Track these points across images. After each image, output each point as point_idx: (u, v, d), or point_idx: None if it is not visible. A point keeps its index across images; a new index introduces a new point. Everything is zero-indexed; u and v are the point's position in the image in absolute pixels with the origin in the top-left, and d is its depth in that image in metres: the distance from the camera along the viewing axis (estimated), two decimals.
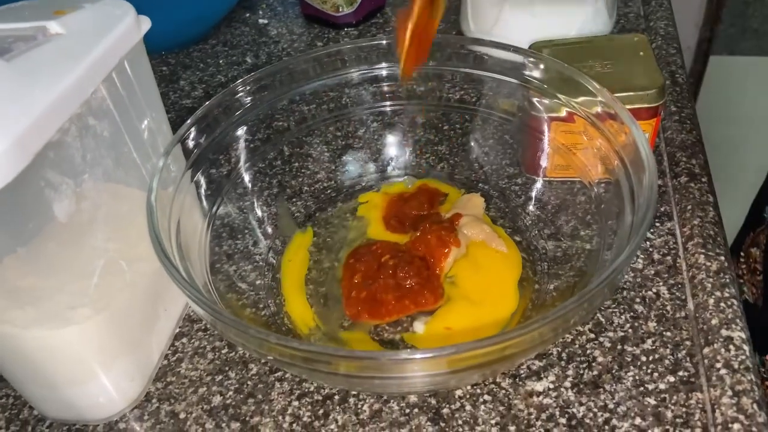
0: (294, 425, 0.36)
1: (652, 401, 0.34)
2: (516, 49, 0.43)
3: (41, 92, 0.29)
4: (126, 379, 0.37)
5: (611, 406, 0.34)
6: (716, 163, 0.49)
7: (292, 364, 0.30)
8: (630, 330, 0.38)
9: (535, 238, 0.44)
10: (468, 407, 0.35)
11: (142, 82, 0.37)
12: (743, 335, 0.36)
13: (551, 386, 0.36)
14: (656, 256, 0.42)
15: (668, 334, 0.37)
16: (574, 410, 0.35)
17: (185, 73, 0.65)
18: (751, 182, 0.62)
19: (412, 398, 0.36)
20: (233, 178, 0.45)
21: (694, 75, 1.44)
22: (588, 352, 0.37)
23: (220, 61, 0.66)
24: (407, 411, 0.36)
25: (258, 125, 0.46)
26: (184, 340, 0.41)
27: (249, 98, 0.44)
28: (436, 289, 0.40)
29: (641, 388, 0.35)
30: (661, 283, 0.40)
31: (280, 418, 0.36)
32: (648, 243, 0.43)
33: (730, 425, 0.32)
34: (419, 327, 0.39)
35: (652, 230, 0.43)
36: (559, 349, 0.37)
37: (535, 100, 0.43)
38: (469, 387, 0.36)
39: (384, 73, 0.47)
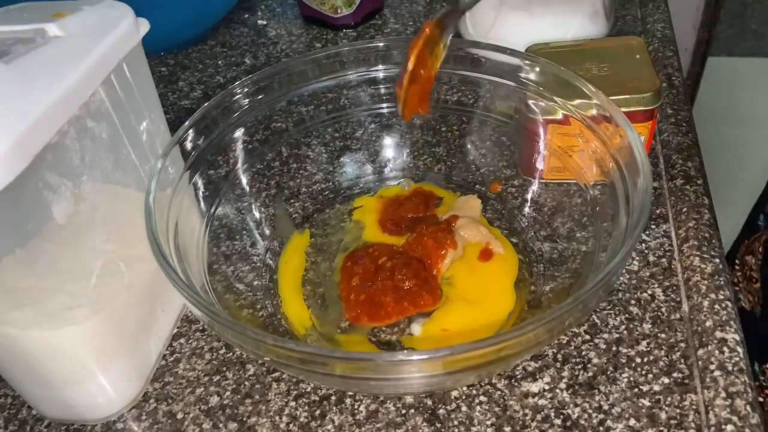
0: (291, 426, 0.36)
1: (646, 402, 0.35)
2: (513, 52, 0.43)
3: (40, 94, 0.29)
4: (124, 379, 0.37)
5: (606, 407, 0.35)
6: (713, 165, 0.49)
7: (289, 365, 0.31)
8: (625, 332, 0.38)
9: (532, 239, 0.44)
10: (464, 408, 0.36)
11: (141, 85, 0.37)
12: (737, 337, 0.36)
13: (546, 387, 0.36)
14: (651, 258, 0.42)
15: (663, 335, 0.38)
16: (569, 411, 0.35)
17: (184, 74, 0.65)
18: (748, 184, 0.63)
19: (409, 399, 0.36)
20: (231, 180, 0.45)
21: (691, 77, 1.44)
22: (583, 353, 0.37)
23: (219, 62, 0.67)
24: (403, 412, 0.36)
25: (256, 126, 0.46)
26: (182, 340, 0.41)
27: (247, 100, 0.44)
28: (435, 291, 0.40)
29: (636, 390, 0.35)
30: (656, 285, 0.40)
31: (277, 418, 0.36)
32: (643, 245, 0.43)
33: (723, 426, 0.33)
34: (416, 329, 0.39)
35: (647, 232, 0.44)
36: (555, 351, 0.38)
37: (531, 102, 0.43)
38: (465, 388, 0.36)
39: (382, 75, 0.48)
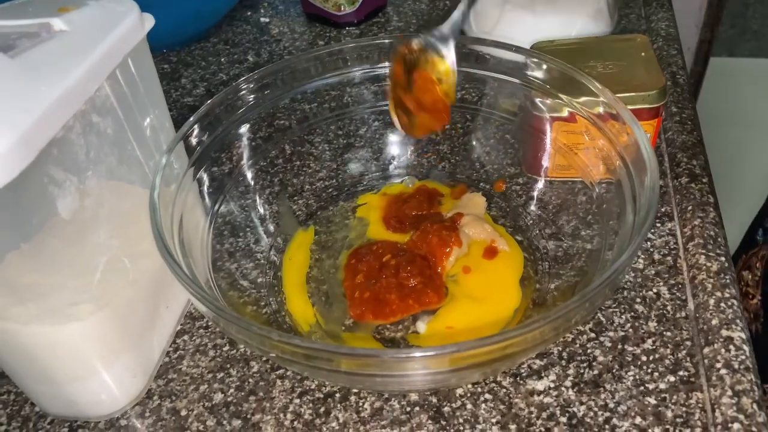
0: (295, 423, 0.36)
1: (652, 401, 0.35)
2: (518, 49, 0.43)
3: (45, 89, 0.29)
4: (127, 375, 0.37)
5: (612, 405, 0.35)
6: (716, 165, 0.49)
7: (294, 362, 0.30)
8: (630, 330, 0.38)
9: (537, 237, 0.44)
10: (469, 406, 0.35)
11: (146, 80, 0.37)
12: (743, 335, 0.36)
13: (552, 385, 0.36)
14: (657, 257, 0.42)
15: (668, 334, 0.37)
16: (575, 409, 0.35)
17: (187, 71, 0.65)
18: (748, 186, 0.62)
19: (413, 396, 0.36)
20: (235, 176, 0.45)
21: (694, 76, 1.44)
22: (588, 351, 0.37)
23: (222, 60, 0.66)
24: (408, 409, 0.36)
25: (260, 123, 0.46)
26: (186, 337, 0.41)
27: (251, 96, 0.44)
28: (440, 288, 0.40)
29: (641, 388, 0.35)
30: (661, 283, 0.40)
31: (282, 415, 0.36)
32: (648, 243, 0.43)
33: (729, 425, 0.33)
34: (421, 327, 0.39)
35: (652, 230, 0.43)
36: (560, 349, 0.38)
37: (537, 100, 0.43)
38: (470, 385, 0.36)
39: (386, 72, 0.47)
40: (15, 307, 0.32)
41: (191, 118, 0.40)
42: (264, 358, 0.39)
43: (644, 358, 0.36)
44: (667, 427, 0.33)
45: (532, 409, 0.35)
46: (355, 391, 0.37)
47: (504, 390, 0.36)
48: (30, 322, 0.33)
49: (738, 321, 0.37)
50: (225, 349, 0.40)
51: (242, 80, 0.43)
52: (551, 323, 0.29)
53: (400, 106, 0.40)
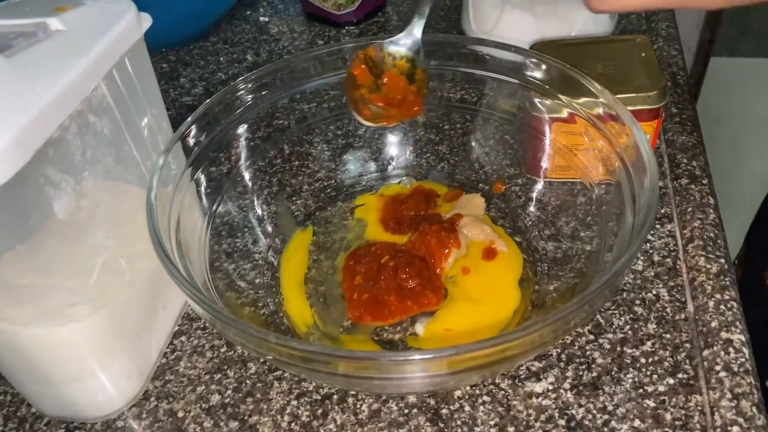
0: (293, 425, 0.35)
1: (651, 403, 0.34)
2: (517, 50, 0.43)
3: (42, 89, 0.29)
4: (124, 377, 0.37)
5: (610, 408, 0.34)
6: (715, 166, 0.49)
7: (292, 364, 0.30)
8: (630, 332, 0.38)
9: (535, 239, 0.44)
10: (467, 408, 0.35)
11: (143, 80, 0.37)
12: (743, 338, 0.36)
13: (550, 387, 0.36)
14: (656, 258, 0.42)
15: (668, 336, 0.37)
16: (573, 412, 0.35)
17: (185, 71, 0.65)
18: (749, 185, 0.62)
19: (411, 398, 0.36)
20: (233, 177, 0.45)
21: (694, 76, 1.44)
22: (587, 353, 0.37)
23: (221, 59, 0.66)
24: (406, 411, 0.35)
25: (258, 123, 0.46)
26: (183, 338, 0.41)
27: (250, 96, 0.44)
28: (438, 290, 0.40)
29: (640, 390, 0.35)
30: (660, 285, 0.40)
31: (279, 417, 0.36)
32: (648, 245, 0.43)
33: (729, 428, 0.32)
34: (420, 328, 0.39)
35: (652, 232, 0.43)
36: (559, 351, 0.37)
37: (536, 100, 0.43)
38: (468, 388, 0.36)
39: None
40: (11, 308, 0.32)
41: (189, 118, 0.40)
42: (261, 360, 0.39)
43: (643, 361, 0.36)
44: (666, 429, 0.33)
45: (531, 411, 0.35)
46: (352, 393, 0.37)
47: (502, 392, 0.36)
48: (27, 323, 0.32)
49: (738, 323, 0.37)
50: (222, 350, 0.40)
51: (240, 80, 0.43)
52: (550, 326, 0.28)
53: (362, 102, 0.41)
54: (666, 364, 0.36)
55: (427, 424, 0.35)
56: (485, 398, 0.36)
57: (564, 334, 0.33)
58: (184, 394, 0.38)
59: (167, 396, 0.38)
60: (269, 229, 0.46)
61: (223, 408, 0.37)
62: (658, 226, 0.44)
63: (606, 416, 0.34)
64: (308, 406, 0.36)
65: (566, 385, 0.36)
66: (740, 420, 0.33)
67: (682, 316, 0.38)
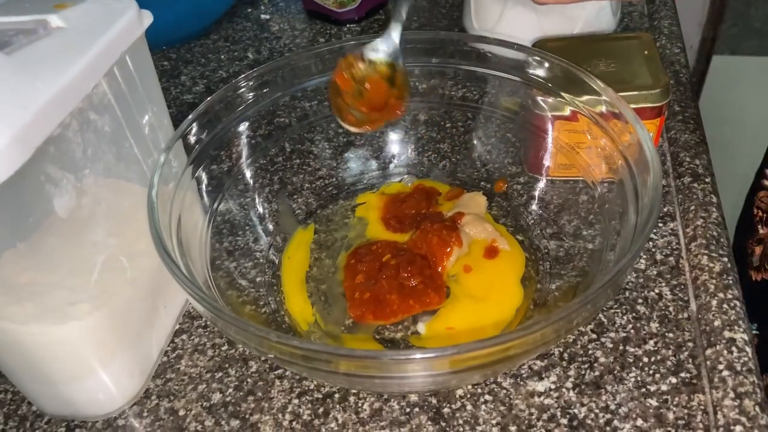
0: (294, 423, 0.35)
1: (653, 402, 0.34)
2: (519, 47, 0.43)
3: (42, 86, 0.28)
4: (125, 375, 0.37)
5: (613, 407, 0.34)
6: (718, 164, 0.49)
7: (293, 363, 0.30)
8: (632, 331, 0.38)
9: (538, 237, 0.43)
10: (469, 407, 0.35)
11: (144, 77, 0.36)
12: (746, 337, 0.36)
13: (552, 386, 0.36)
14: (659, 257, 0.42)
15: (670, 335, 0.37)
16: (576, 411, 0.34)
17: (186, 69, 0.65)
18: (749, 184, 0.62)
19: (413, 397, 0.36)
20: (234, 175, 0.44)
21: (696, 74, 1.43)
22: (590, 352, 0.37)
23: (222, 57, 0.66)
24: (408, 410, 0.35)
25: (259, 121, 0.46)
26: (184, 336, 0.41)
27: (251, 94, 0.44)
28: (440, 288, 0.40)
29: (643, 390, 0.35)
30: (663, 284, 0.40)
31: (280, 416, 0.36)
32: (651, 243, 0.42)
33: (732, 427, 0.32)
34: (421, 327, 0.39)
35: (654, 231, 0.43)
36: (561, 350, 0.37)
37: (538, 98, 0.43)
38: (470, 387, 0.36)
39: None
40: (12, 306, 0.32)
41: (190, 116, 0.40)
42: (263, 358, 0.39)
43: (646, 360, 0.36)
44: (669, 429, 0.33)
45: (533, 410, 0.35)
46: (354, 391, 0.36)
47: (504, 391, 0.36)
48: (27, 322, 0.32)
49: (741, 322, 0.37)
50: (224, 348, 0.40)
51: (242, 78, 0.43)
52: (552, 325, 0.28)
53: (345, 109, 0.41)
54: (669, 363, 0.36)
55: (429, 423, 0.35)
56: (487, 397, 0.35)
57: (566, 333, 0.33)
58: (185, 392, 0.38)
59: (168, 394, 0.38)
60: (270, 227, 0.46)
61: (225, 406, 0.37)
62: (660, 225, 0.43)
63: (608, 415, 0.34)
64: (309, 405, 0.36)
65: (568, 384, 0.36)
66: (743, 419, 0.33)
67: (685, 315, 0.38)
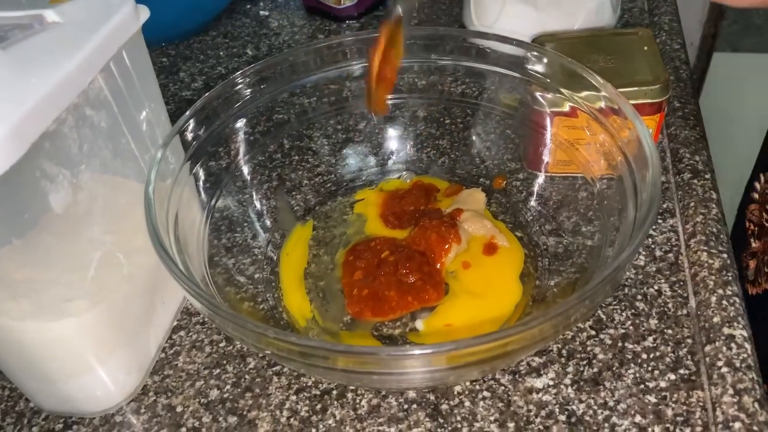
0: (291, 420, 0.35)
1: (652, 399, 0.34)
2: (519, 43, 0.42)
3: (38, 81, 0.28)
4: (123, 372, 0.37)
5: (611, 403, 0.34)
6: (718, 162, 0.49)
7: (291, 359, 0.30)
8: (631, 327, 0.38)
9: (536, 233, 0.43)
10: (467, 403, 0.35)
11: (141, 73, 0.36)
12: (745, 333, 0.36)
13: (551, 383, 0.35)
14: (658, 253, 0.41)
15: (669, 331, 0.37)
16: (574, 407, 0.34)
17: (185, 65, 0.65)
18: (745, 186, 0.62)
19: (411, 394, 0.36)
20: (232, 171, 0.44)
21: (697, 72, 1.43)
22: (588, 349, 0.37)
23: (221, 53, 0.66)
24: (406, 406, 0.35)
25: (258, 118, 0.45)
26: (182, 333, 0.41)
27: (249, 90, 0.43)
28: (439, 285, 0.40)
29: (642, 386, 0.35)
30: (662, 281, 0.40)
31: (278, 412, 0.36)
32: (650, 240, 0.42)
33: (731, 424, 0.32)
34: (420, 324, 0.39)
35: (654, 227, 0.43)
36: (559, 346, 0.37)
37: (537, 94, 0.43)
38: (468, 383, 0.36)
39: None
40: (8, 303, 0.32)
41: (187, 112, 0.39)
42: (260, 355, 0.39)
43: (645, 356, 0.36)
44: (668, 425, 0.33)
45: (531, 407, 0.35)
46: (352, 388, 0.36)
47: (502, 387, 0.36)
48: (24, 318, 0.32)
49: (740, 319, 0.37)
50: (221, 345, 0.40)
51: (239, 73, 0.43)
52: (551, 321, 0.28)
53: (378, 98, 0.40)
54: (667, 359, 0.36)
55: (427, 419, 0.35)
56: (485, 393, 0.35)
57: (565, 329, 0.33)
58: (182, 389, 0.38)
59: (166, 391, 0.38)
60: (268, 223, 0.46)
61: (222, 403, 0.37)
62: (660, 221, 0.43)
63: (607, 412, 0.34)
64: (307, 402, 0.36)
65: (567, 381, 0.35)
66: (742, 416, 0.32)
67: (684, 311, 0.38)
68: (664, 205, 0.44)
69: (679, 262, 0.41)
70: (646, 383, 0.35)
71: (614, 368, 0.36)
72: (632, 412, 0.34)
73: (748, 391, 0.33)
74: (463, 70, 0.46)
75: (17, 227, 0.30)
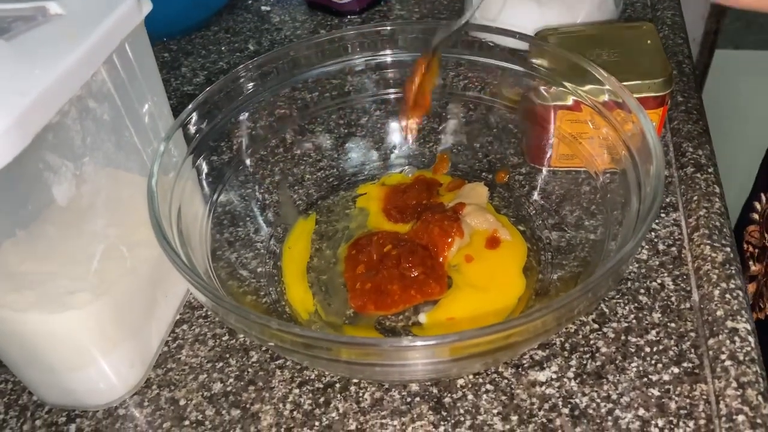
0: (295, 413, 0.35)
1: (655, 392, 0.34)
2: (522, 36, 0.42)
3: (41, 73, 0.28)
4: (126, 365, 0.37)
5: (614, 396, 0.34)
6: (720, 158, 0.48)
7: (294, 351, 0.30)
8: (634, 321, 0.38)
9: (539, 227, 0.43)
10: (470, 396, 0.35)
11: (143, 66, 0.36)
12: (748, 326, 0.36)
13: (554, 376, 0.35)
14: (661, 247, 0.41)
15: (673, 325, 0.37)
16: (577, 400, 0.34)
17: (187, 60, 0.65)
18: (752, 179, 0.62)
19: (414, 387, 0.36)
20: (235, 165, 0.44)
21: (699, 68, 1.42)
22: (591, 342, 0.37)
23: (222, 48, 0.66)
24: (408, 399, 0.35)
25: (260, 112, 0.45)
26: (185, 326, 0.41)
27: (251, 84, 0.43)
28: (442, 279, 0.40)
29: (645, 379, 0.35)
30: (665, 274, 0.40)
31: (281, 405, 0.36)
32: (653, 234, 0.42)
33: (734, 417, 0.32)
34: (423, 317, 0.39)
35: (657, 221, 0.43)
36: (563, 339, 0.37)
37: (541, 88, 0.43)
38: (471, 376, 0.36)
39: (388, 60, 0.47)
40: (11, 295, 0.32)
41: (190, 106, 0.39)
42: (263, 348, 0.39)
43: (648, 350, 0.36)
44: (671, 418, 0.33)
45: (534, 400, 0.35)
46: (355, 381, 0.36)
47: (505, 381, 0.36)
48: (27, 310, 0.32)
49: (743, 312, 0.37)
50: (224, 338, 0.40)
51: (241, 67, 0.43)
52: (553, 313, 0.28)
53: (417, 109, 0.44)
54: (671, 353, 0.36)
55: (430, 412, 0.35)
56: (488, 387, 0.35)
57: (567, 321, 0.33)
58: (185, 382, 0.38)
59: (169, 384, 0.38)
60: (271, 217, 0.46)
61: (225, 396, 0.37)
62: (663, 215, 0.43)
63: (610, 405, 0.34)
64: (310, 395, 0.36)
65: (570, 374, 0.35)
66: (746, 409, 0.32)
67: (687, 305, 0.38)
68: (667, 199, 0.44)
69: (683, 255, 0.41)
70: (650, 376, 0.35)
71: (617, 361, 0.36)
72: (635, 406, 0.34)
73: (751, 384, 0.33)
74: (465, 64, 0.46)
75: (20, 219, 0.30)
